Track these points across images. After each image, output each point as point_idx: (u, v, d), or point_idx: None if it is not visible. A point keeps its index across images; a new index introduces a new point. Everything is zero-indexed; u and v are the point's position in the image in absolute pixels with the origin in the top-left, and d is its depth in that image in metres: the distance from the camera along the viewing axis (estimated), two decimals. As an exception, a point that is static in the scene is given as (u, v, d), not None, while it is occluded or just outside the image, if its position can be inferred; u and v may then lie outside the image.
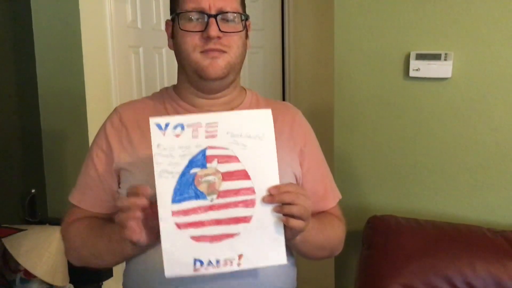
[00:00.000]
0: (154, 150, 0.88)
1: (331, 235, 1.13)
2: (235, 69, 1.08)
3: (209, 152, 0.89)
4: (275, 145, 0.91)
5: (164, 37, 1.17)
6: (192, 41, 1.04)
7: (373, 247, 1.68)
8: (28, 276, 1.87)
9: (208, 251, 0.88)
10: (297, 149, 1.14)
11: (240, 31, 1.07)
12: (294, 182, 1.12)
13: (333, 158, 1.89)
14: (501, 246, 1.55)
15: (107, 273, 2.15)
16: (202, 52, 1.04)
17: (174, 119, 0.89)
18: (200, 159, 0.89)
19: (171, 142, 0.88)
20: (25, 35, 2.31)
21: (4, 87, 2.21)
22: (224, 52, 1.04)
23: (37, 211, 2.29)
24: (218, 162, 0.89)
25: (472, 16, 1.64)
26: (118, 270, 2.30)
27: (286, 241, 0.92)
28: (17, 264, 1.85)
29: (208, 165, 0.89)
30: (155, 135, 0.89)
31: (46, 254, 1.88)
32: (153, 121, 0.89)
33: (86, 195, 1.10)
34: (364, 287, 1.64)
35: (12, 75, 2.25)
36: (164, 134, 0.88)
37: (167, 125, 0.89)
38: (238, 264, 0.89)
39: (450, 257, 1.56)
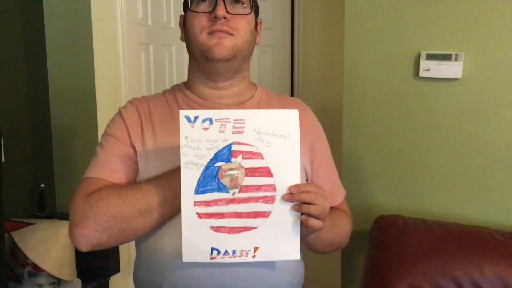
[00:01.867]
0: (182, 141, 0.91)
1: (340, 231, 1.15)
2: (242, 54, 1.09)
3: (234, 147, 0.92)
4: (299, 145, 0.93)
5: (174, 34, 1.19)
6: (200, 23, 1.06)
7: (380, 247, 1.67)
8: (36, 270, 1.89)
9: (226, 241, 0.92)
10: (308, 145, 1.14)
11: (248, 14, 1.08)
12: (304, 177, 1.13)
13: (341, 157, 1.89)
14: (510, 247, 1.54)
15: (114, 268, 2.17)
16: (209, 33, 1.05)
17: (203, 113, 0.92)
18: (226, 154, 0.92)
19: (199, 135, 0.91)
20: (37, 32, 2.33)
21: (15, 82, 2.23)
22: (231, 34, 1.05)
23: (46, 206, 2.31)
24: (243, 158, 0.92)
25: (483, 16, 1.64)
26: (125, 266, 2.32)
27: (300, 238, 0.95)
28: (26, 258, 1.87)
29: (232, 159, 0.91)
30: (184, 127, 0.91)
31: (54, 248, 1.90)
32: (183, 113, 0.92)
33: (109, 169, 1.05)
34: (370, 287, 1.64)
35: (23, 70, 2.27)
36: (192, 127, 0.91)
37: (196, 118, 0.91)
38: (253, 256, 0.93)
39: (458, 258, 1.55)
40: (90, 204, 0.97)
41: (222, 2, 1.04)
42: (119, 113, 1.13)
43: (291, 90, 3.03)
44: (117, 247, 2.11)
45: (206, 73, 1.11)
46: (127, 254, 2.40)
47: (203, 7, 1.07)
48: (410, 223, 1.68)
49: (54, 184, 2.41)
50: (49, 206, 2.33)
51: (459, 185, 1.74)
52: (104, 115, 2.30)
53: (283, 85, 3.04)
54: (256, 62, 3.01)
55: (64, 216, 2.18)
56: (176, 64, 2.90)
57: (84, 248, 0.97)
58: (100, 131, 2.30)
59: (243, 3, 1.08)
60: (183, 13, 1.15)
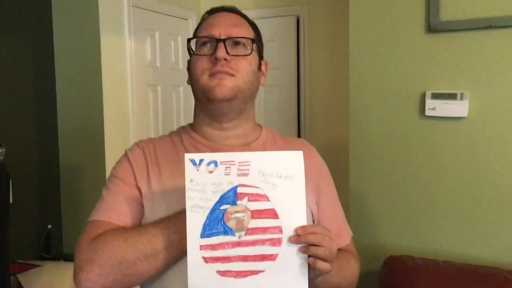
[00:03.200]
0: (187, 185, 0.90)
1: (348, 274, 1.13)
2: (244, 94, 1.10)
3: (240, 190, 0.91)
4: (304, 187, 0.93)
5: (181, 75, 1.21)
6: (202, 65, 1.08)
7: (390, 289, 1.64)
8: (42, 313, 1.87)
9: (233, 286, 0.90)
10: (313, 185, 1.14)
11: (248, 54, 1.10)
12: (310, 218, 1.12)
13: (349, 196, 1.88)
14: (523, 289, 1.50)
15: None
16: (210, 75, 1.07)
17: (208, 156, 0.92)
18: (231, 196, 0.91)
19: (204, 178, 0.91)
20: (47, 73, 2.38)
21: (25, 123, 2.26)
22: (232, 75, 1.07)
23: (53, 247, 2.29)
24: (248, 200, 0.91)
25: (487, 56, 1.65)
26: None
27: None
28: (31, 300, 1.85)
29: (238, 202, 0.91)
30: (189, 171, 0.91)
31: (60, 290, 1.88)
32: (188, 156, 0.92)
33: (115, 212, 1.04)
34: (381, 330, 1.59)
35: (32, 111, 2.30)
36: (198, 170, 0.91)
37: (201, 161, 0.92)
38: None
39: (470, 300, 1.52)
40: (95, 248, 0.96)
41: (222, 44, 1.07)
42: (125, 155, 1.14)
43: (298, 128, 3.05)
44: (123, 289, 2.08)
45: (209, 114, 1.12)
46: (134, 296, 2.37)
47: (206, 50, 1.10)
48: (420, 264, 1.65)
49: (62, 225, 2.41)
50: (55, 248, 2.32)
51: (468, 224, 1.71)
52: (112, 156, 2.32)
53: (290, 123, 3.06)
54: (263, 101, 3.04)
55: (70, 257, 2.16)
56: (184, 104, 2.94)
57: None
58: (108, 172, 2.31)
59: (244, 45, 1.10)
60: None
